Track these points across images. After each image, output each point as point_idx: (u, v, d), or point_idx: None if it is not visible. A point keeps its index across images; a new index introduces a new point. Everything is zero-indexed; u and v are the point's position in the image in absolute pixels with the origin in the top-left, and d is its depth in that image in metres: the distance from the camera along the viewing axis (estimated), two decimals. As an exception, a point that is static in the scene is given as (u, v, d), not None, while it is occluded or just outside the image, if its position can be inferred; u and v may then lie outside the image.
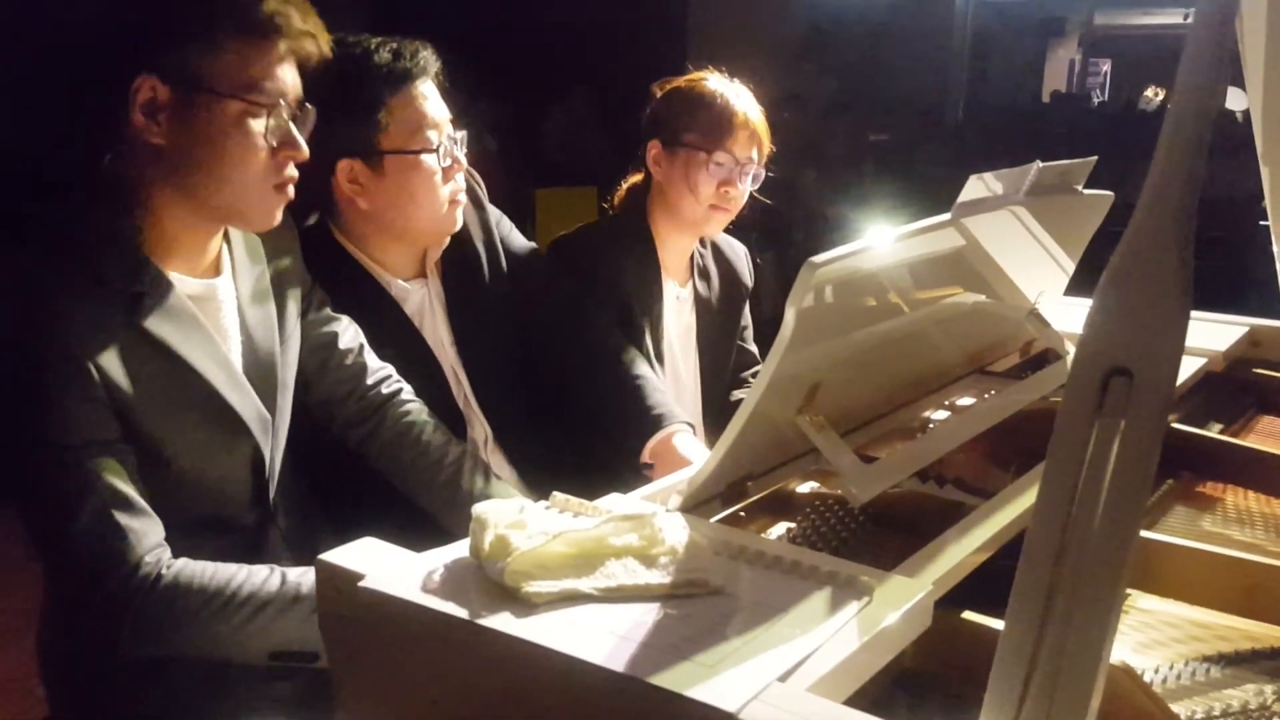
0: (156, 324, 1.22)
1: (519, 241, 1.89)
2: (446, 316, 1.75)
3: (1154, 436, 0.65)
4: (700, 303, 2.03)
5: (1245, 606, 1.10)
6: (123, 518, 1.17)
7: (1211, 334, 1.81)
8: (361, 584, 0.91)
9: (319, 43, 1.27)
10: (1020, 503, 1.15)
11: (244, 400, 1.31)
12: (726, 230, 2.05)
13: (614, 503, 1.09)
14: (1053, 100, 10.59)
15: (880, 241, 1.07)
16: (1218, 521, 1.34)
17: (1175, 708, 0.92)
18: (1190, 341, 0.65)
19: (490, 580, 0.90)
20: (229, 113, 1.21)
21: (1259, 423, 1.71)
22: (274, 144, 1.25)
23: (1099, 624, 0.66)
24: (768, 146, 1.94)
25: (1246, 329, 1.88)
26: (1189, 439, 1.51)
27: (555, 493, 1.08)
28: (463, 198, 1.69)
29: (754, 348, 2.16)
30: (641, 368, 1.78)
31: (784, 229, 6.45)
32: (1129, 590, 1.13)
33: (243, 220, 1.32)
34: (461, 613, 0.86)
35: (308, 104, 1.28)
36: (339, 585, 0.94)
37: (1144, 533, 1.20)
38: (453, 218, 1.68)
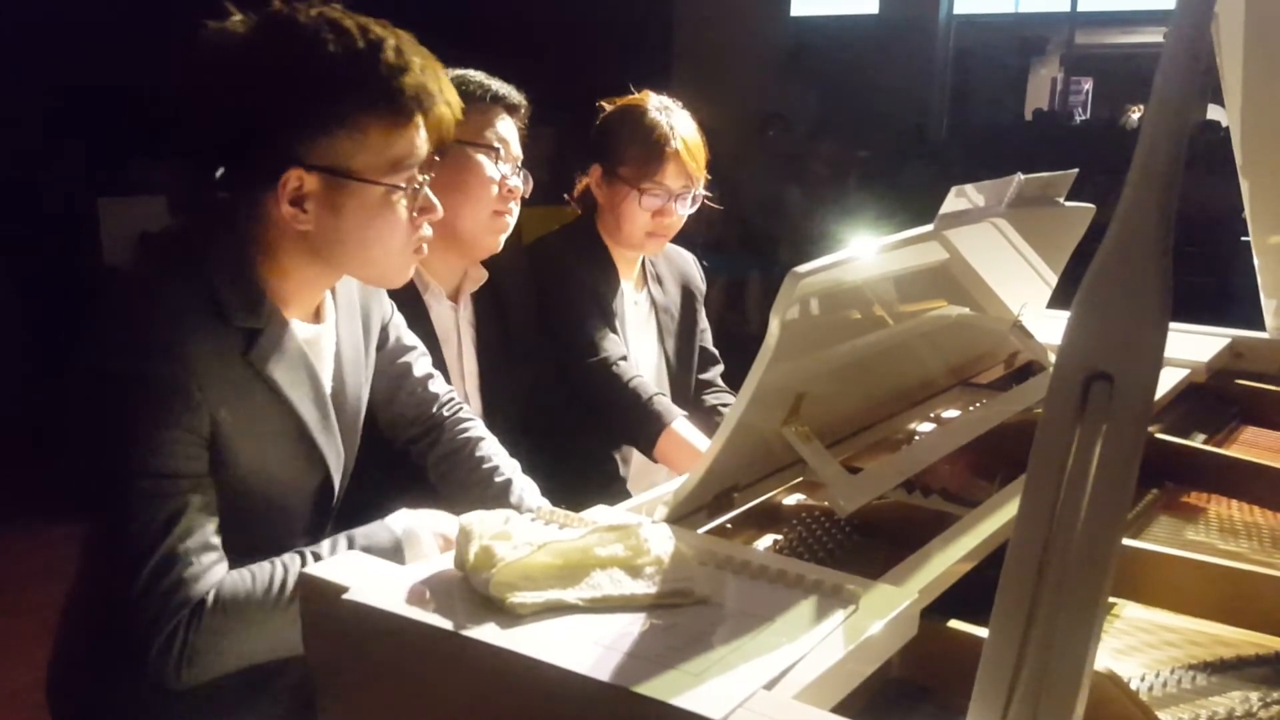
0: (268, 362, 1.22)
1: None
2: (475, 349, 1.79)
3: (1136, 440, 0.65)
4: (658, 307, 2.07)
5: (1230, 614, 1.10)
6: (195, 557, 1.15)
7: (1194, 345, 1.82)
8: (345, 596, 0.91)
9: (453, 109, 1.26)
10: (1005, 512, 1.15)
11: (329, 442, 1.32)
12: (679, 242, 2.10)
13: (600, 514, 1.09)
14: (1035, 119, 10.66)
15: (864, 252, 1.08)
16: (1201, 531, 1.35)
17: (1161, 715, 0.92)
18: (1173, 353, 0.65)
19: (475, 591, 0.90)
20: (375, 196, 1.21)
21: (1242, 433, 1.72)
22: (415, 215, 1.25)
23: (1083, 628, 0.66)
24: (703, 171, 1.96)
25: (1229, 340, 1.89)
26: (1172, 449, 1.52)
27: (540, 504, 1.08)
28: (510, 221, 1.71)
29: (714, 349, 2.21)
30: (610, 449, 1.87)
31: (769, 246, 6.49)
32: (1114, 599, 1.13)
33: (379, 282, 1.36)
34: (446, 624, 0.86)
35: (437, 157, 1.27)
36: (323, 598, 0.93)
37: (1129, 541, 1.21)
38: (496, 231, 1.70)
